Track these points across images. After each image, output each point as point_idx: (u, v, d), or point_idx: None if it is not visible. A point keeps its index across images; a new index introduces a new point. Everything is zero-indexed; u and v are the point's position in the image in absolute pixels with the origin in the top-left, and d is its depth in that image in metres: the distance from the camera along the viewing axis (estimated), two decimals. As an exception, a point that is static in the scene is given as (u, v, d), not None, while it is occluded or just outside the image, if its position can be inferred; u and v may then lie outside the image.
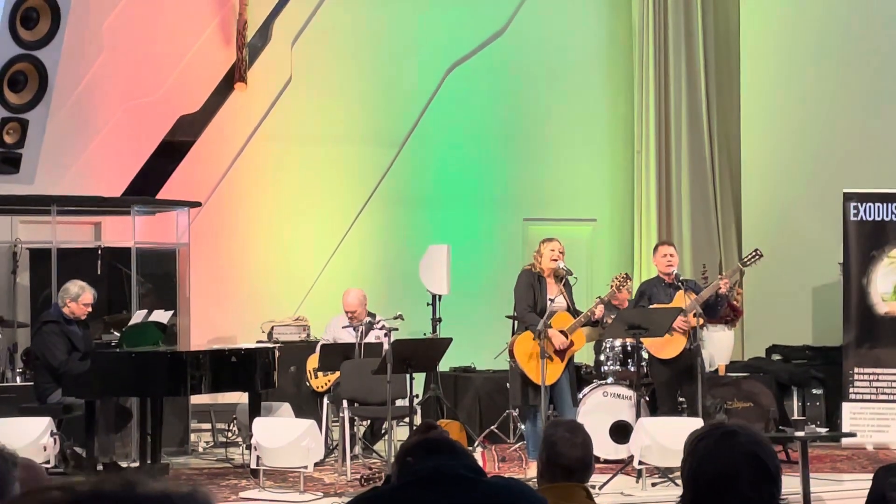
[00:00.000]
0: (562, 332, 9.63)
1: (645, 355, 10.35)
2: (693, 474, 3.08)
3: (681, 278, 10.25)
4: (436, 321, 12.28)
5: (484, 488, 3.41)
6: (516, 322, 10.26)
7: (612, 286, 10.64)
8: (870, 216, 11.73)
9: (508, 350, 9.97)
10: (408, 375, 9.56)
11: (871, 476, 5.01)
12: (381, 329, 10.65)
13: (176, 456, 10.88)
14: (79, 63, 12.37)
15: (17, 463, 3.38)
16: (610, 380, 10.59)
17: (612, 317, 10.28)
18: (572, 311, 9.75)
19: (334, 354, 10.71)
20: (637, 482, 9.14)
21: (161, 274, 11.85)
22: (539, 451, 4.32)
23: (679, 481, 8.86)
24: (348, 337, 10.96)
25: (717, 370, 11.89)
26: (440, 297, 12.37)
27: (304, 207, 13.49)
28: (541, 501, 3.55)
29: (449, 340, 9.95)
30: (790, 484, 8.38)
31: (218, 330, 12.78)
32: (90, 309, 10.16)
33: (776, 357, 12.78)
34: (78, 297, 10.04)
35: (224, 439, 11.70)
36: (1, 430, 8.96)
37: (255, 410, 10.00)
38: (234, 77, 13.21)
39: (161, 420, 10.23)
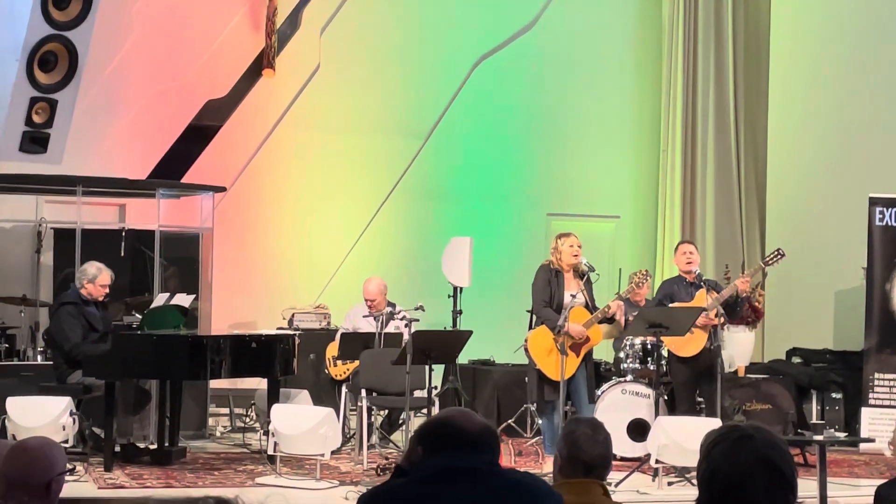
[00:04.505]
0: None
1: (665, 354, 10.33)
2: (708, 478, 3.07)
3: (703, 278, 10.23)
4: (456, 313, 12.28)
5: (498, 483, 3.40)
6: (534, 317, 10.23)
7: (631, 282, 10.64)
8: (895, 221, 11.68)
9: (524, 346, 9.95)
10: (427, 367, 9.57)
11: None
12: (401, 319, 10.66)
13: (193, 440, 10.91)
14: (109, 45, 12.41)
15: None
16: (629, 377, 10.56)
17: (633, 314, 10.26)
18: (591, 307, 9.72)
19: (354, 343, 10.72)
20: (653, 481, 9.13)
21: (184, 258, 11.89)
22: (559, 447, 4.32)
23: (695, 481, 8.86)
24: (368, 326, 10.97)
25: (736, 371, 11.86)
26: (461, 289, 12.37)
27: (328, 196, 13.51)
28: (555, 496, 3.53)
29: (469, 333, 9.94)
30: (807, 487, 8.36)
31: (239, 315, 12.82)
32: (107, 290, 10.17)
33: (796, 360, 12.76)
34: (95, 278, 10.06)
35: (242, 424, 11.73)
36: (21, 408, 9.04)
37: (273, 397, 10.01)
38: (262, 63, 13.24)
39: (180, 403, 10.27)
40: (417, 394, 9.94)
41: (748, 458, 3.02)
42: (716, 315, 9.83)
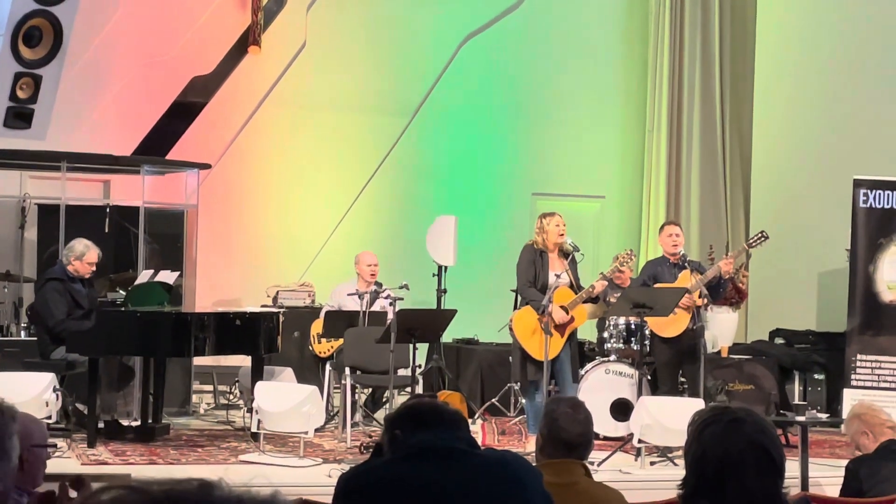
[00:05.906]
0: (562, 307, 9.60)
1: (648, 334, 10.35)
2: (697, 460, 3.08)
3: (686, 259, 10.25)
4: (441, 292, 12.29)
5: (479, 462, 3.41)
6: (519, 297, 10.24)
7: (615, 262, 10.65)
8: (879, 203, 11.70)
9: (509, 325, 9.97)
10: (411, 345, 9.57)
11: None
12: (386, 298, 10.66)
13: (177, 416, 10.91)
14: (94, 20, 12.35)
15: (16, 417, 3.40)
16: (612, 357, 10.59)
17: (616, 295, 10.27)
18: (575, 286, 9.73)
19: (338, 321, 10.73)
20: (636, 460, 9.16)
21: (168, 234, 11.87)
22: (540, 427, 4.33)
23: (678, 461, 8.90)
24: (353, 304, 10.97)
25: (719, 351, 11.90)
26: (446, 268, 12.37)
27: (313, 174, 13.49)
28: (536, 474, 3.55)
29: (453, 312, 9.96)
30: (789, 468, 8.37)
31: (223, 292, 12.81)
32: (94, 268, 10.15)
33: (779, 341, 12.79)
34: (83, 255, 10.04)
35: (225, 402, 11.74)
36: (4, 384, 9.01)
37: (257, 374, 10.01)
38: (248, 40, 13.20)
39: (163, 380, 10.27)
40: (401, 372, 9.96)
41: (739, 441, 3.03)
42: (699, 296, 9.85)
